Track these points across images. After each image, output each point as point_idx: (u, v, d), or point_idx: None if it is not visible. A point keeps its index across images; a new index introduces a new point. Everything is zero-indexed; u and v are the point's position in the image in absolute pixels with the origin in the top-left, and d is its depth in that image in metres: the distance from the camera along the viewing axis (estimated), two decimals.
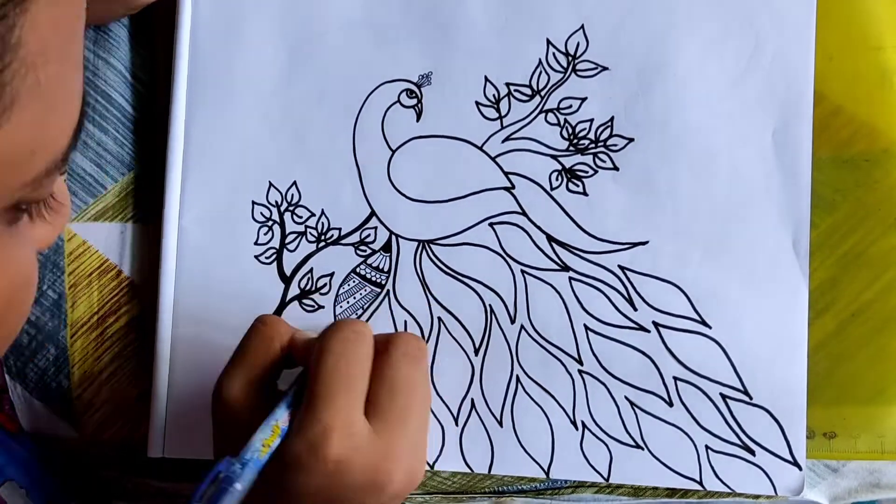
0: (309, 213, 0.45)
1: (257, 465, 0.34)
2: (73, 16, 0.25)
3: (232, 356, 0.39)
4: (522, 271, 0.43)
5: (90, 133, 0.47)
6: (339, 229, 0.45)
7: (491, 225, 0.44)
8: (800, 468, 0.40)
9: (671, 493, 0.43)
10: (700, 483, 0.41)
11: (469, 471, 0.43)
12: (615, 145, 0.43)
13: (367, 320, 0.44)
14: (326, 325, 0.38)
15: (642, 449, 0.42)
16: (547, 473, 0.42)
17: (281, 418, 0.36)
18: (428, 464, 0.44)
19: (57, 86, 0.24)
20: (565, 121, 0.43)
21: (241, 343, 0.40)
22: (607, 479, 0.42)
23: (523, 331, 0.43)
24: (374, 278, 0.45)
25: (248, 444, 0.34)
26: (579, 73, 0.43)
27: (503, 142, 0.44)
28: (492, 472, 0.43)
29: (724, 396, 0.41)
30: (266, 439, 0.35)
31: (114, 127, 0.47)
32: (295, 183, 0.45)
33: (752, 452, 0.41)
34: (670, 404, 0.42)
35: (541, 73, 0.44)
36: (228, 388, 0.38)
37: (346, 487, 0.35)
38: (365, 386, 0.36)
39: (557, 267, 0.43)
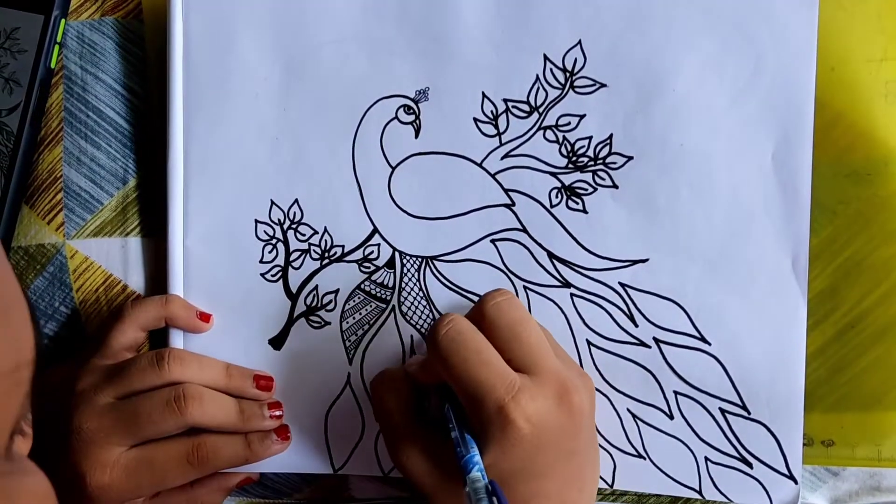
0: (312, 231, 0.45)
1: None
2: None
3: (384, 428, 0.41)
4: (525, 287, 0.44)
5: (83, 149, 0.47)
6: (343, 246, 0.45)
7: (493, 241, 0.44)
8: (795, 482, 0.42)
9: (673, 501, 0.44)
10: (700, 493, 0.43)
11: None
12: (614, 163, 0.43)
13: (373, 336, 0.45)
14: (426, 339, 0.39)
15: (644, 459, 0.43)
16: None
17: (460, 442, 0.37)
18: None
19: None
20: (564, 138, 0.43)
21: (377, 411, 0.41)
22: (611, 486, 0.44)
23: None
24: (378, 294, 0.45)
25: (468, 460, 0.36)
26: (577, 89, 0.43)
27: (502, 158, 0.44)
28: None
29: (723, 411, 0.42)
30: (477, 464, 0.36)
31: (106, 142, 0.47)
32: (297, 201, 0.45)
33: (750, 465, 0.42)
34: (671, 417, 0.43)
35: (538, 89, 0.43)
36: (406, 461, 0.40)
37: (547, 441, 0.37)
38: (496, 355, 0.37)
39: (559, 283, 0.44)
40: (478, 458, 0.36)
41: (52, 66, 0.46)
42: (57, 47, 0.46)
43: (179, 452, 0.42)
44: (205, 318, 0.45)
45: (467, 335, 0.38)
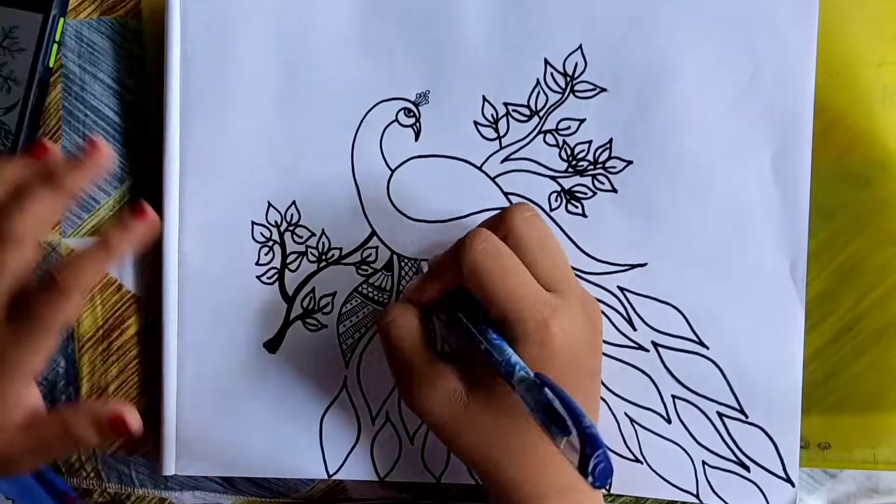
0: (309, 233, 0.45)
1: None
2: None
3: (400, 368, 0.40)
4: None
5: (81, 148, 0.47)
6: (340, 249, 0.45)
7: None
8: (793, 485, 0.42)
9: None
10: (697, 497, 0.43)
11: (476, 483, 0.44)
12: (614, 167, 0.43)
13: (370, 339, 0.45)
14: (458, 245, 0.38)
15: (642, 463, 0.43)
16: None
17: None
18: (436, 476, 0.45)
19: None
20: (564, 142, 0.43)
21: (390, 352, 0.40)
22: (609, 490, 0.44)
23: None
24: (376, 297, 0.45)
25: (506, 362, 0.35)
26: (577, 93, 0.43)
27: (502, 162, 0.44)
28: None
29: (720, 415, 0.42)
30: (518, 363, 0.35)
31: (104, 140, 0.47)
32: (294, 203, 0.45)
33: (748, 469, 0.42)
34: (669, 421, 0.43)
35: (539, 93, 0.43)
36: (423, 399, 0.39)
37: (579, 358, 0.37)
38: (528, 273, 0.37)
39: None
40: (516, 357, 0.35)
41: (51, 65, 0.46)
42: (55, 46, 0.46)
43: (39, 291, 0.37)
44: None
45: (503, 251, 0.37)
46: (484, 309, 0.38)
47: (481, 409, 0.38)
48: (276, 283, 0.45)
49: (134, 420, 0.38)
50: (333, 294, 0.45)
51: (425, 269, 0.43)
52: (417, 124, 0.44)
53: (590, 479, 0.30)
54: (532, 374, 0.34)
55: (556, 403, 0.32)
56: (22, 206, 0.37)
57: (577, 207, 0.43)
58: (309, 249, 0.45)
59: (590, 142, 0.43)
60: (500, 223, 0.38)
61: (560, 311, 0.37)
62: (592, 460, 0.30)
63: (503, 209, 0.39)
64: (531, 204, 0.40)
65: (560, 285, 0.38)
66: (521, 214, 0.38)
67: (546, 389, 0.33)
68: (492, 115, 0.44)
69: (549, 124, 0.43)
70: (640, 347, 0.43)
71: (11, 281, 0.38)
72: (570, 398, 0.32)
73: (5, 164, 0.39)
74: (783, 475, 0.42)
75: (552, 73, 0.43)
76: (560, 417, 0.31)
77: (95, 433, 0.38)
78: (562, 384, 0.35)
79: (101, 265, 0.38)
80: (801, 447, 0.42)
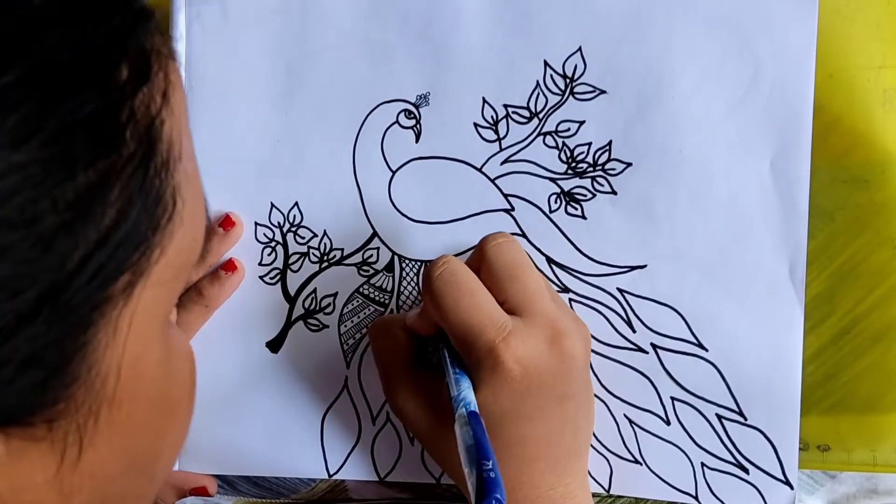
0: (311, 234, 0.45)
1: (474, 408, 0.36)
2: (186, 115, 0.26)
3: (382, 373, 0.42)
4: None
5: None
6: (342, 250, 0.45)
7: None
8: (791, 487, 0.42)
9: None
10: (696, 498, 0.43)
11: None
12: (613, 169, 0.43)
13: None
14: (424, 282, 0.39)
15: (641, 464, 0.43)
16: None
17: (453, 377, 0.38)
18: (436, 476, 0.45)
19: (196, 176, 0.26)
20: (563, 144, 0.44)
21: (375, 357, 0.42)
22: (608, 492, 0.44)
23: None
24: (377, 298, 0.45)
25: (455, 398, 0.36)
26: (577, 95, 0.43)
27: (502, 164, 0.44)
28: None
29: (719, 417, 0.42)
30: (464, 391, 0.36)
31: None
32: (297, 204, 0.45)
33: (746, 471, 0.42)
34: (668, 423, 0.43)
35: (539, 95, 0.43)
36: (401, 406, 0.40)
37: (538, 384, 0.37)
38: (488, 297, 0.38)
39: (558, 288, 0.44)
40: (465, 394, 0.36)
41: None
42: None
43: None
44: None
45: (460, 277, 0.38)
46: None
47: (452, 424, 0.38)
48: (279, 284, 0.46)
49: (213, 489, 0.46)
50: (335, 294, 0.45)
51: None
52: (418, 126, 0.45)
53: None
54: (467, 412, 0.35)
55: (484, 442, 0.33)
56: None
57: (576, 209, 0.44)
58: (311, 250, 0.46)
59: (589, 144, 0.43)
60: (475, 252, 0.39)
61: (516, 336, 0.36)
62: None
63: (479, 244, 0.39)
64: (507, 233, 0.40)
65: (527, 310, 0.37)
66: (492, 241, 0.39)
67: (468, 428, 0.34)
68: (492, 117, 0.44)
69: (549, 126, 0.44)
70: (640, 349, 0.43)
71: None
72: (484, 441, 0.33)
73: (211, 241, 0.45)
74: (782, 478, 0.42)
75: (552, 75, 0.43)
76: (475, 454, 0.33)
77: (175, 497, 0.45)
78: (521, 411, 0.37)
79: (202, 315, 0.44)
80: (801, 449, 0.42)
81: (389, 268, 0.45)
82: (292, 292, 0.46)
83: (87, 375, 0.23)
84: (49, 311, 0.21)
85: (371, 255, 0.45)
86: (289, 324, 0.46)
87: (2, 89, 0.20)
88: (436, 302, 0.37)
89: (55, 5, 0.21)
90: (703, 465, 0.43)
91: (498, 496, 0.31)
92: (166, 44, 0.25)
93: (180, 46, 0.45)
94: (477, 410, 0.35)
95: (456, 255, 0.44)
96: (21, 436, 0.22)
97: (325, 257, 0.45)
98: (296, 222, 0.45)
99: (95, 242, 0.22)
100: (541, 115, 0.44)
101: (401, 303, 0.45)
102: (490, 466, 0.32)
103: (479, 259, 0.39)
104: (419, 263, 0.45)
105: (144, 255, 0.23)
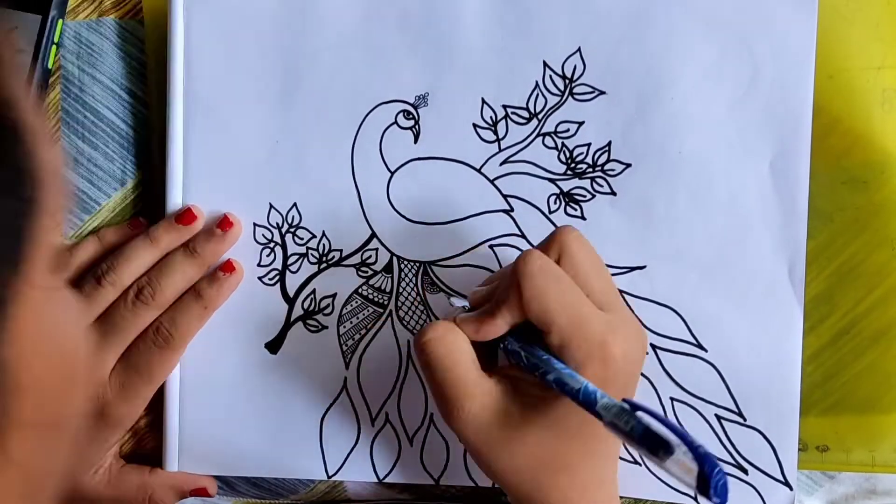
0: (310, 235, 0.45)
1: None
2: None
3: (443, 386, 0.38)
4: None
5: (80, 150, 0.47)
6: (341, 251, 0.45)
7: (491, 247, 0.44)
8: (790, 488, 0.42)
9: None
10: (695, 499, 0.43)
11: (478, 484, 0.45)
12: (612, 170, 0.43)
13: (370, 340, 0.45)
14: (515, 271, 0.36)
15: (640, 465, 0.43)
16: None
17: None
18: (435, 477, 0.45)
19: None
20: (563, 145, 0.43)
21: (432, 371, 0.38)
22: None
23: None
24: (376, 299, 0.45)
25: (583, 391, 0.34)
26: (576, 96, 0.43)
27: (501, 164, 0.44)
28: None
29: (719, 417, 0.43)
30: (596, 391, 0.34)
31: (103, 142, 0.47)
32: (295, 204, 0.45)
33: (745, 471, 0.42)
34: None
35: (538, 95, 0.43)
36: (472, 416, 0.37)
37: (633, 379, 0.37)
38: (578, 289, 0.36)
39: None
40: (592, 385, 0.34)
41: (50, 66, 0.46)
42: (54, 48, 0.46)
43: (147, 344, 0.44)
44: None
45: (559, 271, 0.37)
46: (537, 335, 0.37)
47: (530, 429, 0.37)
48: (278, 285, 0.46)
49: (213, 490, 0.47)
50: (334, 295, 0.45)
51: (457, 304, 0.40)
52: (417, 126, 0.44)
53: (713, 496, 0.29)
54: (615, 401, 0.33)
55: (654, 425, 0.31)
56: (166, 275, 0.44)
57: (575, 210, 0.43)
58: (310, 251, 0.45)
59: (588, 144, 0.43)
60: (551, 244, 0.38)
61: (618, 330, 0.36)
62: (714, 478, 0.29)
63: (552, 231, 0.38)
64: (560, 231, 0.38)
65: (612, 305, 0.37)
66: (573, 232, 0.38)
67: (639, 413, 0.32)
68: (491, 118, 0.44)
69: (548, 127, 0.43)
70: None
71: (131, 338, 0.44)
72: (667, 418, 0.31)
73: (161, 228, 0.45)
74: (781, 478, 0.42)
75: (551, 76, 0.43)
76: (661, 439, 0.30)
77: (175, 499, 0.46)
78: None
79: (201, 317, 0.45)
80: (800, 449, 0.42)
81: (388, 269, 0.45)
82: (291, 293, 0.46)
83: None
84: None
85: (370, 256, 0.45)
86: (288, 325, 0.46)
87: None
88: (538, 294, 0.36)
89: None
90: None
91: (719, 468, 0.29)
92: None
93: (179, 47, 0.45)
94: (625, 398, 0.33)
95: (456, 256, 0.44)
96: None
97: (324, 258, 0.45)
98: (294, 223, 0.45)
99: None
100: (540, 116, 0.43)
101: (399, 304, 0.45)
102: (698, 443, 0.30)
103: (560, 252, 0.37)
104: (418, 264, 0.45)
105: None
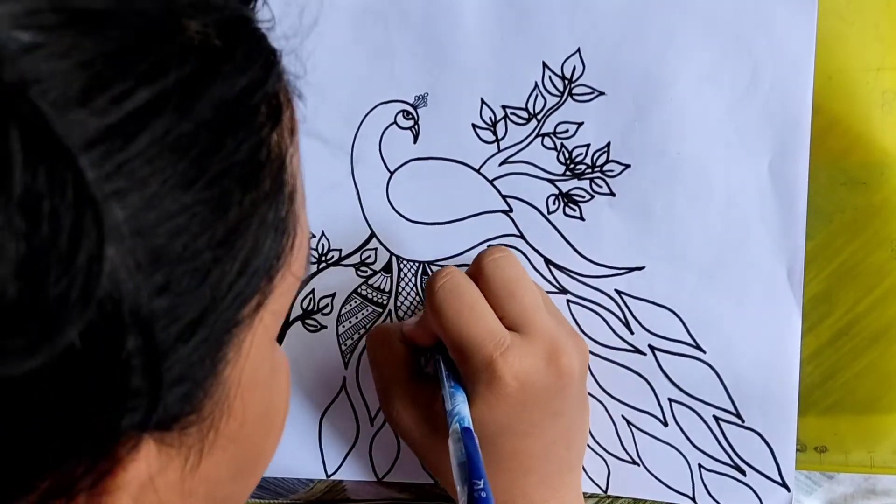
0: (309, 234, 0.45)
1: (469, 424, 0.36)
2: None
3: (377, 382, 0.42)
4: None
5: None
6: (340, 250, 0.45)
7: (490, 247, 0.44)
8: (788, 489, 0.42)
9: None
10: (693, 499, 0.43)
11: None
12: (611, 171, 0.43)
13: None
14: (426, 292, 0.39)
15: (638, 465, 0.43)
16: None
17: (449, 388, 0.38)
18: (435, 480, 0.45)
19: (304, 201, 0.28)
20: (562, 145, 0.43)
21: (371, 366, 0.42)
22: (605, 492, 0.44)
23: None
24: (375, 299, 0.45)
25: (450, 412, 0.36)
26: (576, 97, 0.43)
27: (500, 165, 0.44)
28: None
29: (717, 418, 0.43)
30: (459, 405, 0.37)
31: None
32: None
33: (743, 472, 0.42)
34: (665, 424, 0.43)
35: (537, 96, 0.43)
36: (396, 415, 0.41)
37: (534, 400, 0.37)
38: (489, 310, 0.38)
39: (556, 290, 0.44)
40: (460, 409, 0.36)
41: None
42: None
43: None
44: None
45: (463, 288, 0.38)
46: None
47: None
48: None
49: None
50: (333, 295, 0.45)
51: None
52: (416, 126, 0.44)
53: None
54: (461, 428, 0.35)
55: (474, 458, 0.34)
56: None
57: (574, 211, 0.44)
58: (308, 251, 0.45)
59: (588, 145, 0.43)
60: (473, 264, 0.40)
61: (514, 351, 0.37)
62: None
63: (476, 258, 0.40)
64: (507, 247, 0.41)
65: (526, 327, 0.38)
66: (489, 257, 0.39)
67: (461, 444, 0.34)
68: (490, 118, 0.44)
69: (547, 127, 0.43)
70: (637, 351, 0.43)
71: None
72: (476, 458, 0.34)
73: None
74: (779, 479, 0.42)
75: (550, 77, 0.43)
76: (467, 472, 0.33)
77: None
78: (516, 426, 0.37)
79: None
80: (798, 450, 0.42)
81: (387, 268, 0.45)
82: None
83: (216, 390, 0.25)
84: (200, 335, 0.23)
85: (369, 256, 0.45)
86: (286, 324, 0.46)
87: (177, 136, 0.21)
88: (437, 312, 0.38)
89: (212, 60, 0.23)
90: (700, 466, 0.43)
91: None
92: (287, 82, 0.27)
93: None
94: (471, 426, 0.35)
95: (455, 256, 0.44)
96: (159, 441, 0.24)
97: (323, 258, 0.45)
98: None
99: (237, 272, 0.24)
100: (539, 117, 0.43)
101: (399, 303, 0.45)
102: (481, 486, 0.32)
103: (477, 275, 0.39)
104: (417, 264, 0.45)
105: (271, 280, 0.26)
